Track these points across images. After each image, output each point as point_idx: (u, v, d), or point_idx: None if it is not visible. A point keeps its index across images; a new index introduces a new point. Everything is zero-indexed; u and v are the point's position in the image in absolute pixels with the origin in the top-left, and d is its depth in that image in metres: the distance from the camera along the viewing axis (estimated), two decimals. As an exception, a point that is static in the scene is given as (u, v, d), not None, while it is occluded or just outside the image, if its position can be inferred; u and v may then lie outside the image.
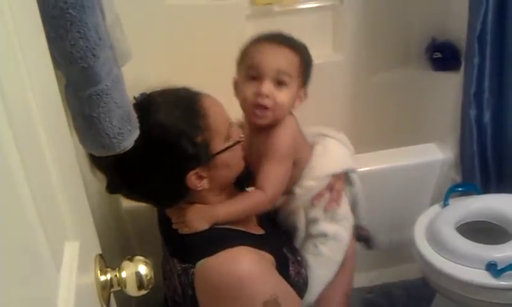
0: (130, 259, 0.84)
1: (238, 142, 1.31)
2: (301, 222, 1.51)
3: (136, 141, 1.14)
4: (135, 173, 1.22)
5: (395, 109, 2.69)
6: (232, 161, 1.31)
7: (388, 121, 2.66)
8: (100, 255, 0.81)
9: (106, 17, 1.01)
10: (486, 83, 1.89)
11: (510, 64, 1.86)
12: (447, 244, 1.68)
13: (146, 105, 1.21)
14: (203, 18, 2.41)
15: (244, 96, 1.41)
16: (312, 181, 1.49)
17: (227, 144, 1.27)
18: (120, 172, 1.21)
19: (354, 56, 2.65)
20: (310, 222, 1.51)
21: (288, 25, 2.27)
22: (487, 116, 1.92)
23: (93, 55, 0.87)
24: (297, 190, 1.49)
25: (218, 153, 1.25)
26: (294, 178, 1.50)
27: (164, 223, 1.36)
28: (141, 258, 0.85)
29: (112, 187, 1.27)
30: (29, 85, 0.62)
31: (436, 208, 1.88)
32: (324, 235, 1.50)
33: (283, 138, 1.43)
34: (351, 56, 2.65)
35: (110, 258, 0.87)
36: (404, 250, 1.89)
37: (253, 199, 1.40)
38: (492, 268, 1.59)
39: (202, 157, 1.22)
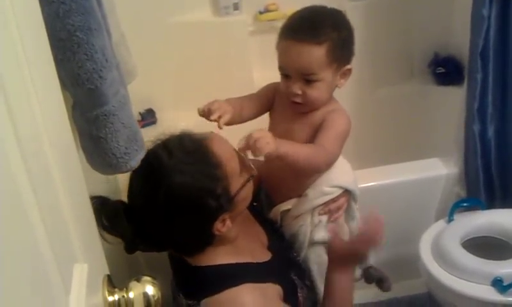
0: (138, 280, 0.84)
1: (251, 176, 1.28)
2: (306, 226, 1.51)
3: (156, 203, 1.16)
4: (159, 234, 1.22)
5: (399, 123, 2.69)
6: (249, 192, 1.29)
7: (391, 136, 2.66)
8: (108, 276, 0.81)
9: (112, 36, 1.02)
10: (489, 98, 1.89)
11: (513, 79, 1.87)
12: (452, 260, 1.68)
13: (158, 168, 1.17)
14: (207, 35, 2.43)
15: (282, 89, 1.45)
16: (328, 188, 1.50)
17: (242, 181, 1.25)
18: (141, 235, 1.22)
19: (357, 71, 2.63)
20: (314, 226, 1.52)
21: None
22: (491, 131, 1.92)
23: (100, 76, 0.88)
24: (311, 193, 1.50)
25: (237, 193, 1.23)
26: (309, 181, 1.51)
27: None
28: (149, 278, 0.85)
29: (132, 248, 1.27)
30: (38, 106, 0.62)
31: (441, 223, 1.88)
32: (325, 243, 1.51)
33: (342, 119, 1.45)
34: (354, 71, 2.64)
35: (117, 278, 0.87)
36: (409, 265, 1.88)
37: (315, 148, 1.38)
38: (498, 284, 1.59)
39: (225, 204, 1.20)
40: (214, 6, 2.45)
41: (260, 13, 2.47)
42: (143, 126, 2.26)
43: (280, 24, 2.46)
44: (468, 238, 1.78)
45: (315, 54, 1.36)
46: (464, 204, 1.93)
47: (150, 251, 1.33)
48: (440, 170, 2.08)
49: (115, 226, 1.19)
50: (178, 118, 2.46)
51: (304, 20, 1.41)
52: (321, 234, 1.51)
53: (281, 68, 1.43)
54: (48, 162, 0.63)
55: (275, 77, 2.29)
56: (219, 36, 2.44)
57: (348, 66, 1.44)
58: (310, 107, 1.44)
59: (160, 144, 1.23)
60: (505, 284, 1.58)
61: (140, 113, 2.36)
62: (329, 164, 1.42)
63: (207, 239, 1.24)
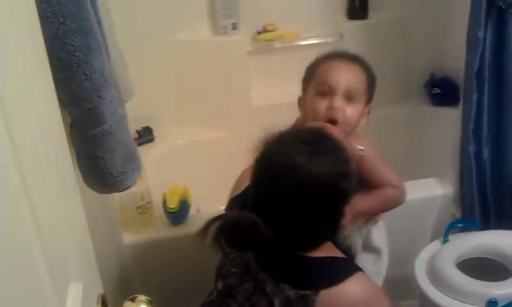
0: (132, 300, 0.83)
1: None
2: (357, 242, 1.56)
3: (300, 202, 1.16)
4: (299, 229, 1.22)
5: (395, 144, 2.69)
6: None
7: (387, 156, 2.65)
8: (103, 295, 0.81)
9: (111, 55, 1.03)
10: (485, 119, 1.90)
11: (508, 100, 1.88)
12: (447, 281, 1.68)
13: (292, 169, 1.16)
14: (205, 54, 2.44)
15: (316, 111, 1.43)
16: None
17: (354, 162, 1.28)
18: (277, 238, 1.20)
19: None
20: (364, 238, 1.58)
21: (289, 61, 2.31)
22: (486, 152, 1.93)
23: (98, 96, 0.89)
24: (352, 231, 1.53)
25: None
26: None
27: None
28: (143, 297, 0.84)
29: (264, 256, 1.26)
30: (36, 124, 0.63)
31: (436, 244, 1.88)
32: (378, 251, 1.61)
33: (371, 145, 1.49)
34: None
35: (111, 296, 0.87)
36: (404, 286, 1.88)
37: (387, 193, 1.47)
38: (492, 305, 1.59)
39: (354, 184, 1.22)
40: (212, 26, 2.47)
41: (258, 33, 2.49)
42: (140, 144, 2.26)
43: (277, 44, 2.50)
44: (463, 259, 1.78)
45: (362, 74, 1.45)
46: (459, 225, 1.93)
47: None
48: (435, 190, 2.09)
49: (253, 238, 1.17)
50: (176, 136, 2.47)
51: (346, 51, 1.55)
52: (372, 242, 1.60)
53: (323, 85, 1.43)
54: (45, 181, 0.64)
55: (272, 95, 2.30)
56: (218, 55, 2.45)
57: (369, 106, 1.49)
58: (345, 127, 1.43)
59: (278, 145, 1.21)
60: (499, 305, 1.58)
61: (137, 131, 2.37)
62: (404, 192, 1.50)
63: (338, 226, 1.25)
